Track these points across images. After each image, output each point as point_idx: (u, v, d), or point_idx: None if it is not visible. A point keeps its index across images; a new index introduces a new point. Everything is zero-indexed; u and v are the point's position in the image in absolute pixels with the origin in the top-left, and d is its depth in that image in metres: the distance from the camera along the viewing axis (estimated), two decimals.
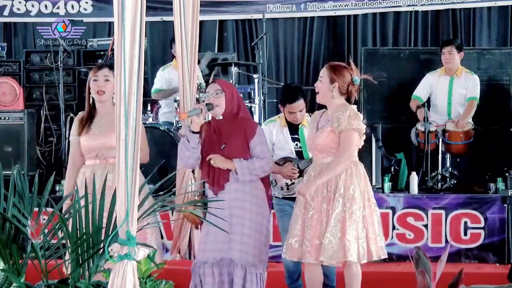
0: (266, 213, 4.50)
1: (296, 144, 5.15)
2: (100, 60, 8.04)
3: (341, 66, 4.54)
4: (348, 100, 4.53)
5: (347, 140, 4.40)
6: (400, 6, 8.67)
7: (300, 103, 5.08)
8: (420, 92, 7.12)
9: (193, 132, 4.37)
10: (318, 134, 4.49)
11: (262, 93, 7.03)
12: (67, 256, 3.15)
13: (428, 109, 6.94)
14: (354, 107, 4.59)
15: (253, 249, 4.38)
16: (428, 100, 7.12)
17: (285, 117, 5.18)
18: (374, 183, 6.33)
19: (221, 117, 4.43)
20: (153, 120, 7.08)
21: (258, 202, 4.44)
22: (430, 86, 7.13)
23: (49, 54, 8.08)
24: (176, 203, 4.41)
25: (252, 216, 4.40)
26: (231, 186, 4.39)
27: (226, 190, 4.38)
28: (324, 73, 4.51)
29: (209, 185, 4.43)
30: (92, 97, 4.57)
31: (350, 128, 4.38)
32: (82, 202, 3.20)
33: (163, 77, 7.29)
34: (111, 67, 4.43)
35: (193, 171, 5.47)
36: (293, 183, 5.06)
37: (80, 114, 4.69)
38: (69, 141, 6.87)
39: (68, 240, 3.16)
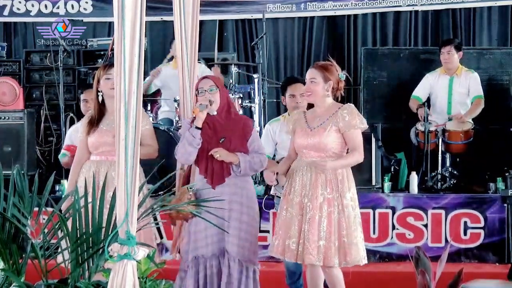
0: (257, 210, 4.59)
1: None
2: (100, 60, 8.05)
3: (328, 64, 4.53)
4: (335, 97, 4.56)
5: (358, 138, 4.44)
6: (400, 6, 8.67)
7: (301, 86, 5.11)
8: (420, 92, 7.13)
9: (197, 128, 4.41)
10: (316, 132, 4.44)
11: (262, 93, 7.03)
12: (66, 256, 3.15)
13: (428, 108, 6.94)
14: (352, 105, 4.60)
15: (250, 244, 4.45)
16: (428, 100, 7.12)
17: (287, 108, 5.24)
18: (374, 183, 6.34)
19: (215, 113, 4.46)
20: (153, 120, 7.09)
21: (252, 198, 4.54)
22: (429, 86, 7.13)
23: (49, 54, 8.08)
24: (173, 203, 4.40)
25: (250, 211, 4.48)
26: (230, 180, 4.45)
27: (226, 183, 4.44)
28: (315, 74, 4.48)
29: (208, 180, 4.43)
30: (101, 96, 4.59)
31: (362, 126, 4.42)
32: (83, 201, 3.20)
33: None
34: None
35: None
36: None
37: (90, 113, 4.72)
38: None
39: (68, 240, 3.16)
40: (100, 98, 4.62)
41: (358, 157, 4.44)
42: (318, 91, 4.47)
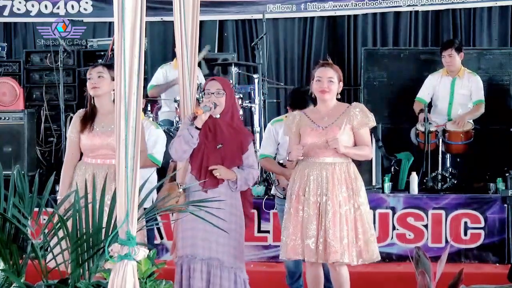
0: (243, 217, 4.55)
1: None
2: (100, 60, 8.05)
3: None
4: None
5: (368, 135, 4.57)
6: (400, 6, 8.67)
7: (311, 106, 5.08)
8: (423, 94, 7.13)
9: (197, 128, 4.40)
10: (329, 130, 4.46)
11: (262, 93, 7.03)
12: (66, 256, 3.15)
13: (429, 110, 6.94)
14: None
15: (239, 253, 4.46)
16: (430, 101, 7.12)
17: None
18: (374, 183, 6.33)
19: (218, 116, 4.47)
20: (153, 120, 7.08)
21: (238, 206, 4.50)
22: (432, 87, 7.14)
23: (49, 54, 8.08)
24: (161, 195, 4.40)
25: (237, 220, 4.46)
26: (220, 186, 4.44)
27: (217, 190, 4.41)
28: (333, 73, 4.53)
29: (200, 180, 4.41)
30: (93, 97, 4.60)
31: (372, 124, 4.54)
32: (82, 202, 3.20)
33: (160, 74, 7.36)
34: (105, 65, 4.52)
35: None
36: None
37: (81, 111, 4.68)
38: None
39: (68, 240, 3.16)
40: (92, 100, 4.62)
41: (368, 152, 4.55)
42: (335, 90, 4.56)
